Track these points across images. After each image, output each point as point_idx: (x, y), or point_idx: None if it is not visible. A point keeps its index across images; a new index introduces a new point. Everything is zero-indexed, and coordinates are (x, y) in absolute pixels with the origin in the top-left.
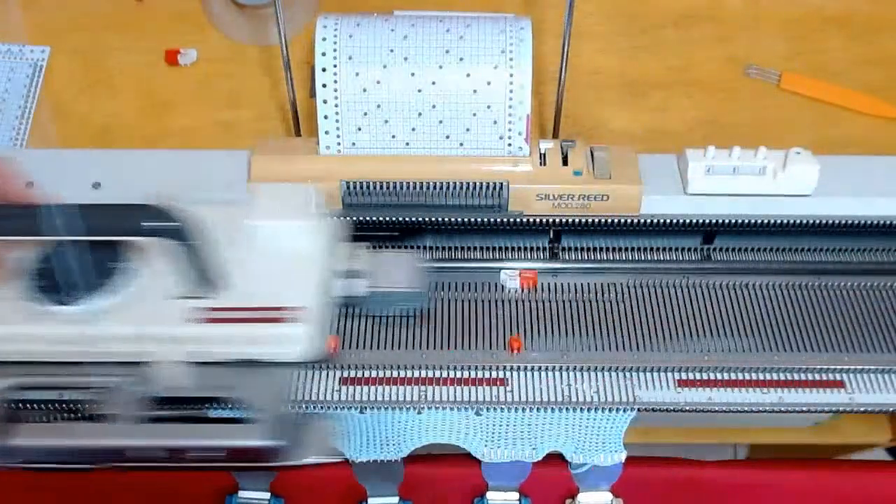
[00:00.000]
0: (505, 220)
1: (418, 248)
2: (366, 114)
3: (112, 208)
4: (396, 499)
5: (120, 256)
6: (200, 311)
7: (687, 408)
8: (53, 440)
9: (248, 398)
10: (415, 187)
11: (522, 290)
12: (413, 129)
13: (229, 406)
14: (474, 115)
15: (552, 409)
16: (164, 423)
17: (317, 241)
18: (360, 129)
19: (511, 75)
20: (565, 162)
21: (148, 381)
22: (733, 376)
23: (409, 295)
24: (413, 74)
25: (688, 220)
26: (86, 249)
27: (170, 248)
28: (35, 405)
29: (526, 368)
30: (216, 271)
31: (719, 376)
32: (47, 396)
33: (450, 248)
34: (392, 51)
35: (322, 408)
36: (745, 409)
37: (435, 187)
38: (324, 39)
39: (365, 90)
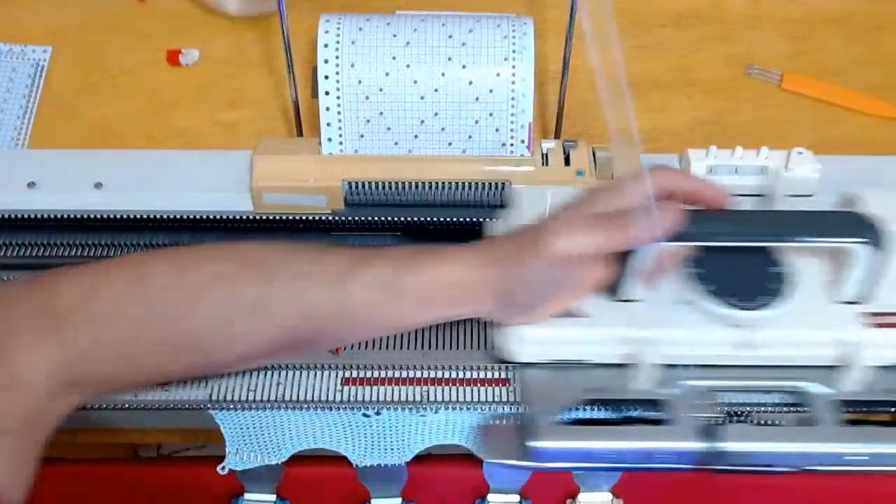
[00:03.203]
0: None
1: None
2: (368, 121)
3: (819, 215)
4: (399, 500)
5: (779, 261)
6: (867, 317)
7: None
8: (768, 444)
9: None
10: (417, 187)
11: None
12: (416, 137)
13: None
14: (476, 122)
15: None
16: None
17: None
18: (362, 136)
19: (513, 84)
20: (567, 162)
21: (837, 384)
22: None
23: None
24: (415, 82)
25: None
26: (756, 254)
27: (849, 253)
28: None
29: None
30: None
31: None
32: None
33: None
34: (394, 58)
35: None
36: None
37: (437, 187)
38: (326, 46)
39: (367, 98)
